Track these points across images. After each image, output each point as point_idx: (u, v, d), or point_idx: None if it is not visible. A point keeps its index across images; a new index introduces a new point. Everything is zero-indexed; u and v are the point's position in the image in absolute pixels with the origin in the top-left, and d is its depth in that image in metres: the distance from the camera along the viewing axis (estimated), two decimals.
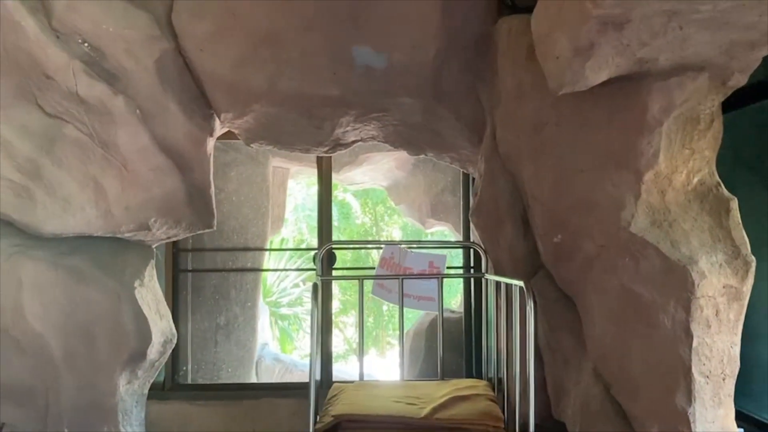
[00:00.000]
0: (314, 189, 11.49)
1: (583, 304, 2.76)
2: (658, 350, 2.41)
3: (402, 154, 5.06)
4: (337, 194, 11.58)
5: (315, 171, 4.29)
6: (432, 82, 3.18)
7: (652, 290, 2.42)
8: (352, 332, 12.61)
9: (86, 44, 3.05)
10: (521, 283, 2.68)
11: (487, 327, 3.51)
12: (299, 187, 10.53)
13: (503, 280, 2.99)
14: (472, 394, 2.91)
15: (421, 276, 3.47)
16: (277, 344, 10.18)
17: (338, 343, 11.94)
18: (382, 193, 11.20)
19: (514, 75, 2.93)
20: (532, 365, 2.60)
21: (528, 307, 2.58)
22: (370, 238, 12.08)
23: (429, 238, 7.05)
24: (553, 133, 2.77)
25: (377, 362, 11.76)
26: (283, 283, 10.48)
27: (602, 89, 2.43)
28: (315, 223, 11.13)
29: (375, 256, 11.39)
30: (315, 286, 2.66)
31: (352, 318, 12.60)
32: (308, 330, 10.88)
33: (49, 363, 3.16)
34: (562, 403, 3.00)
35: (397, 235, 11.97)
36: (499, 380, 3.24)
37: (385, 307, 12.11)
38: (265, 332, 7.66)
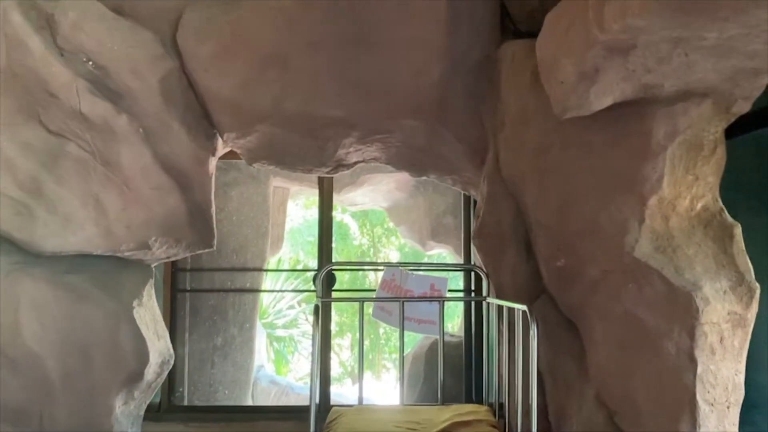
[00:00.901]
0: (311, 210, 11.52)
1: (586, 329, 2.75)
2: (662, 377, 2.39)
3: (403, 176, 5.03)
4: (336, 215, 11.57)
5: (315, 191, 4.29)
6: (436, 105, 3.19)
7: (656, 316, 2.41)
8: (347, 355, 12.52)
9: (91, 63, 3.05)
10: (524, 307, 2.67)
11: (489, 351, 3.47)
12: (296, 208, 10.52)
13: (505, 303, 2.98)
14: (473, 420, 2.88)
15: (422, 299, 3.44)
16: (272, 366, 10.10)
17: (334, 366, 11.84)
18: (381, 215, 11.20)
19: (519, 99, 2.94)
20: (535, 391, 2.57)
21: (531, 332, 2.56)
22: (367, 260, 12.04)
23: (428, 260, 7.07)
24: (558, 157, 2.77)
25: (373, 386, 11.66)
26: (278, 305, 10.43)
27: (607, 114, 2.42)
28: (311, 245, 11.17)
29: (372, 278, 11.37)
30: (317, 307, 2.64)
31: (347, 340, 12.52)
32: (303, 352, 10.90)
33: (45, 383, 3.11)
34: (563, 429, 2.97)
35: (394, 257, 11.92)
36: (500, 405, 3.22)
37: (381, 330, 12.04)
38: (261, 353, 7.59)
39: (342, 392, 8.71)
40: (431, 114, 3.22)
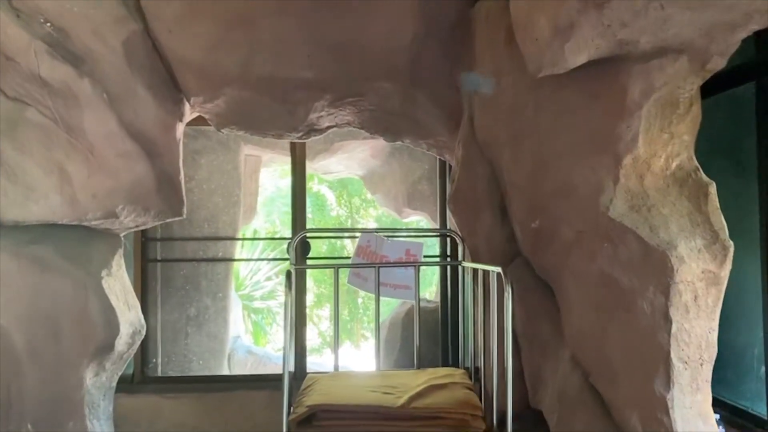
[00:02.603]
0: (287, 180, 11.39)
1: (561, 291, 2.73)
2: (636, 336, 2.38)
3: (377, 143, 5.00)
4: (312, 186, 11.48)
5: (288, 159, 4.20)
6: (409, 67, 3.14)
7: (630, 276, 2.39)
8: (326, 326, 12.53)
9: (49, 24, 2.95)
10: (498, 269, 2.64)
11: (466, 315, 3.47)
12: (272, 177, 10.38)
13: (480, 267, 2.95)
14: (449, 383, 2.87)
15: (397, 264, 3.41)
16: (250, 338, 10.07)
17: (313, 336, 11.86)
18: (358, 185, 11.12)
19: (493, 59, 2.90)
20: (510, 354, 2.56)
21: (506, 293, 2.53)
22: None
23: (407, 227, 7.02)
24: (532, 117, 2.73)
25: (352, 354, 11.70)
26: (255, 276, 10.35)
27: (581, 72, 2.39)
28: (287, 215, 11.07)
29: (350, 247, 11.33)
30: (288, 273, 2.58)
31: (326, 311, 12.52)
32: (282, 323, 10.85)
33: (11, 356, 3.05)
34: (539, 393, 2.97)
35: (372, 226, 11.89)
36: (476, 369, 3.22)
37: (360, 300, 12.05)
38: (238, 325, 7.54)
39: (321, 362, 8.71)
40: (405, 76, 3.17)
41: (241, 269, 9.70)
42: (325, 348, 12.12)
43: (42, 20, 2.94)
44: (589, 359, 2.61)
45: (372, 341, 12.01)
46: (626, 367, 2.43)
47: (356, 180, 10.44)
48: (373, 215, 12.22)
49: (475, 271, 3.11)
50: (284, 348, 2.60)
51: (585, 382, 2.65)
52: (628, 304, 2.39)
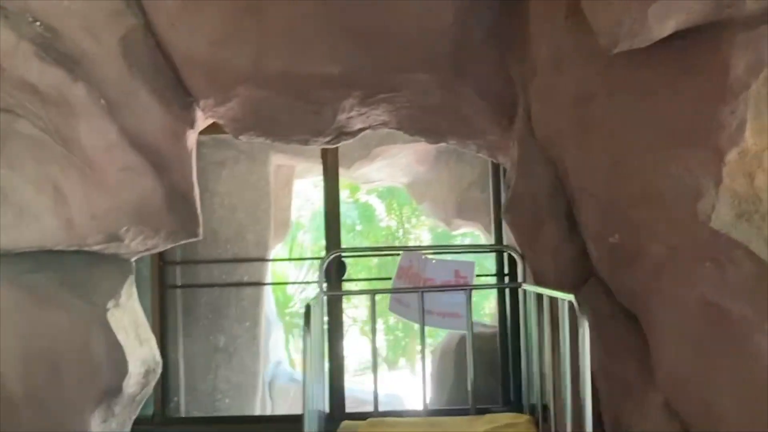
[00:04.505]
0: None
1: (649, 321, 2.26)
2: (752, 381, 1.96)
3: (422, 147, 4.60)
4: (360, 196, 11.13)
5: (321, 169, 3.83)
6: (451, 54, 2.74)
7: (742, 304, 1.98)
8: (381, 341, 12.15)
9: (38, 23, 2.67)
10: (570, 297, 2.16)
11: (530, 346, 2.97)
12: (316, 189, 10.08)
13: (546, 292, 2.46)
14: None
15: (444, 288, 2.93)
16: (300, 357, 9.78)
17: (365, 353, 11.47)
18: (409, 195, 10.71)
19: (552, 39, 2.48)
20: (589, 400, 2.06)
21: (581, 329, 2.05)
22: (397, 243, 11.57)
23: (457, 241, 6.60)
24: (604, 106, 2.30)
25: (407, 377, 11.22)
26: (305, 292, 10.13)
27: (666, 47, 1.99)
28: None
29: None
30: (308, 308, 2.14)
31: (379, 324, 12.14)
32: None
33: (7, 402, 2.71)
34: None
35: (426, 239, 11.45)
36: (544, 410, 2.76)
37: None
38: (279, 349, 7.23)
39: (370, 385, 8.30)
40: (446, 65, 2.78)
41: (288, 287, 9.46)
42: (380, 365, 11.72)
43: (30, 19, 2.67)
44: (689, 408, 2.14)
45: (429, 362, 11.57)
46: (739, 420, 1.99)
47: (398, 186, 10.08)
48: (426, 225, 11.79)
49: (539, 296, 2.61)
50: (304, 394, 2.15)
51: None
52: (740, 339, 1.99)
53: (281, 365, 6.59)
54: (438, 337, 10.72)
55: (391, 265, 10.16)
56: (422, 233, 11.84)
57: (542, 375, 2.73)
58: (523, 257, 2.90)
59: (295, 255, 9.24)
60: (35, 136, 2.68)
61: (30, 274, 2.80)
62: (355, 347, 10.32)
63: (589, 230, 2.42)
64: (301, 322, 7.00)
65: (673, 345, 2.14)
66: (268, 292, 5.38)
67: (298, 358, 9.75)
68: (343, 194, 11.08)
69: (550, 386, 2.53)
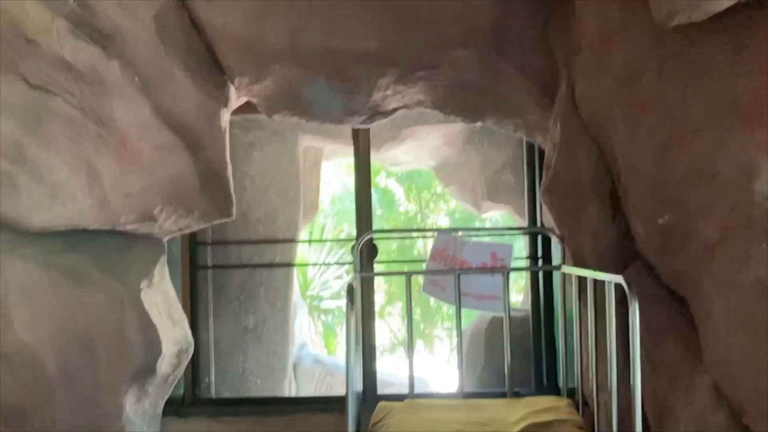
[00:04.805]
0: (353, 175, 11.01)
1: (699, 304, 2.17)
2: None
3: (451, 128, 4.49)
4: (379, 180, 11.02)
5: (350, 150, 3.76)
6: (491, 30, 2.64)
7: None
8: (398, 325, 12.09)
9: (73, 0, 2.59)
10: (619, 279, 2.08)
11: (567, 330, 2.90)
12: (337, 171, 10.00)
13: (590, 274, 2.39)
14: (554, 420, 2.33)
15: (481, 270, 2.87)
16: (321, 340, 9.74)
17: (384, 336, 11.43)
18: (428, 178, 10.58)
19: (599, 14, 2.37)
20: (638, 385, 2.01)
21: (631, 311, 1.98)
22: (415, 227, 11.46)
23: (486, 224, 6.51)
24: (655, 83, 2.20)
25: (425, 358, 11.18)
26: (324, 276, 10.06)
27: (722, 21, 1.92)
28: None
29: (421, 246, 10.82)
30: (350, 287, 2.09)
31: (397, 308, 12.07)
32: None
33: (43, 380, 2.70)
34: (665, 427, 2.40)
35: (444, 224, 11.33)
36: (573, 391, 2.76)
37: (432, 299, 11.52)
38: (303, 331, 7.18)
39: (393, 364, 8.27)
40: (486, 41, 2.67)
41: (309, 269, 9.38)
42: (398, 348, 11.69)
43: None
44: (741, 393, 2.05)
45: (447, 344, 11.53)
46: None
47: (425, 173, 9.93)
48: (444, 209, 11.67)
49: (581, 279, 2.54)
50: (348, 374, 2.12)
51: (734, 420, 2.08)
52: None
53: (306, 348, 6.55)
54: (465, 322, 10.71)
55: (409, 248, 10.07)
56: (441, 218, 11.74)
57: (582, 360, 2.67)
58: (562, 239, 2.82)
59: (315, 238, 9.15)
60: (69, 114, 2.62)
61: (63, 254, 2.76)
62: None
63: (636, 211, 2.32)
64: (320, 304, 6.99)
65: (725, 328, 2.04)
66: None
67: (318, 340, 9.74)
68: None
69: (593, 370, 2.46)
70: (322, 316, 10.18)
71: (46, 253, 2.74)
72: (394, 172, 10.30)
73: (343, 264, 8.70)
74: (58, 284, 2.72)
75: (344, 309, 10.28)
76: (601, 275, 2.32)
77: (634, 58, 2.25)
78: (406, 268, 8.65)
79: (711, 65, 2.06)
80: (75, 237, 2.79)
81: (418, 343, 11.36)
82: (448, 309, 10.78)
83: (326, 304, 10.25)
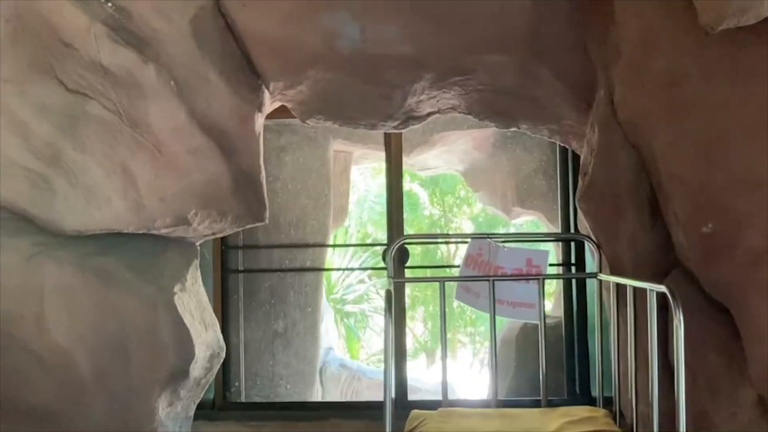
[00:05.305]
0: (379, 179, 10.97)
1: (744, 315, 2.13)
2: None
3: (481, 133, 4.44)
4: (404, 184, 10.96)
5: (381, 155, 3.73)
6: (527, 34, 2.59)
7: None
8: (421, 329, 12.03)
9: (110, 4, 2.61)
10: (662, 288, 2.03)
11: (604, 338, 2.84)
12: (361, 175, 9.96)
13: (630, 282, 2.34)
14: (592, 431, 2.27)
15: (517, 277, 2.82)
16: (343, 343, 9.72)
17: (408, 341, 11.35)
18: (452, 182, 10.53)
19: (640, 18, 2.32)
20: (682, 398, 1.95)
21: (676, 321, 1.93)
22: (438, 231, 11.40)
23: (513, 230, 6.40)
24: (698, 89, 2.16)
25: (449, 365, 11.09)
26: (347, 279, 10.05)
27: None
28: (380, 217, 10.64)
29: (444, 250, 10.76)
30: (389, 294, 2.06)
31: (419, 312, 12.01)
32: (375, 328, 10.49)
33: (77, 382, 2.71)
34: None
35: (467, 229, 11.23)
36: (609, 400, 2.70)
37: (455, 303, 11.43)
38: (329, 334, 7.16)
39: (416, 372, 8.22)
40: (522, 46, 2.63)
41: (332, 273, 9.37)
42: (420, 353, 11.63)
43: (102, 0, 2.58)
44: None
45: (470, 349, 11.45)
46: None
47: (449, 176, 9.87)
48: (468, 213, 11.60)
49: (618, 286, 2.50)
50: (385, 380, 2.09)
51: None
52: None
53: (331, 351, 6.52)
54: (481, 326, 10.60)
55: (433, 254, 9.99)
56: (464, 222, 11.67)
57: (620, 370, 2.61)
58: (598, 246, 2.77)
59: (339, 241, 9.13)
60: (105, 118, 2.63)
61: (98, 257, 2.77)
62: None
63: (677, 219, 2.27)
64: (344, 308, 6.96)
65: None
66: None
67: (340, 344, 9.72)
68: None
69: (632, 381, 2.41)
70: (345, 320, 10.17)
71: (81, 256, 2.75)
72: (418, 176, 10.25)
73: (376, 269, 8.63)
74: (92, 287, 2.73)
75: (367, 310, 10.32)
76: (641, 283, 2.26)
77: (676, 62, 2.20)
78: (428, 273, 8.60)
79: (757, 69, 2.03)
80: (109, 240, 2.80)
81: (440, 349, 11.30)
82: (471, 314, 10.71)
83: (348, 308, 10.25)
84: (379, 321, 10.75)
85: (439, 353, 11.34)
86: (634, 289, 2.34)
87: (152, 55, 2.62)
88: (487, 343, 10.37)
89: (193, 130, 2.68)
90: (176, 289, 2.83)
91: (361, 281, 10.28)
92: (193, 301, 2.93)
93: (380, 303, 10.73)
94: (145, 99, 2.62)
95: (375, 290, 10.57)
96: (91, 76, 2.59)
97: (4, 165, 2.63)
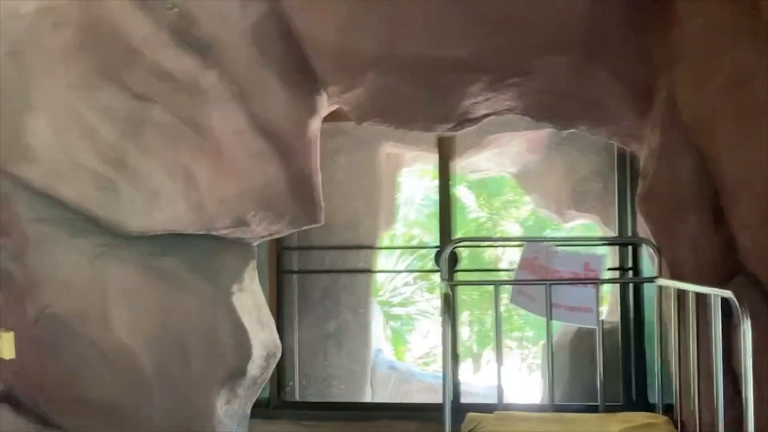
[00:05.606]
0: (424, 181, 10.93)
1: None
2: None
3: (535, 134, 4.38)
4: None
5: (431, 157, 3.73)
6: (586, 35, 2.56)
7: None
8: (467, 332, 11.94)
9: (175, 9, 2.68)
10: (728, 294, 1.98)
11: (663, 344, 2.78)
12: (408, 178, 9.91)
13: (693, 288, 2.29)
14: None
15: (575, 281, 2.79)
16: (389, 346, 9.72)
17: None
18: (499, 185, 10.42)
19: (705, 18, 2.29)
20: (750, 406, 1.90)
21: (743, 328, 1.88)
22: (484, 233, 11.27)
23: (563, 233, 6.32)
24: (766, 89, 2.09)
25: (495, 368, 10.99)
26: (393, 282, 10.04)
27: None
28: (426, 220, 10.61)
29: (490, 254, 10.64)
30: (447, 297, 2.06)
31: (464, 317, 11.91)
32: (422, 331, 10.46)
33: (140, 379, 2.79)
34: None
35: (515, 232, 11.10)
36: (670, 407, 2.63)
37: (503, 305, 11.29)
38: (378, 336, 7.18)
39: (463, 376, 8.14)
40: (580, 47, 2.59)
41: (378, 275, 9.38)
42: (467, 357, 11.54)
43: (168, 6, 2.68)
44: None
45: (517, 353, 11.32)
46: None
47: (497, 179, 9.77)
48: (515, 217, 11.45)
49: (680, 292, 2.45)
50: (445, 383, 2.10)
51: None
52: None
53: (381, 353, 6.52)
54: (528, 330, 10.47)
55: (482, 256, 9.91)
56: (512, 226, 11.53)
57: (680, 377, 2.55)
58: (658, 250, 2.71)
59: (386, 244, 9.15)
60: (168, 122, 2.69)
61: (159, 257, 2.84)
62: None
63: (743, 222, 2.22)
64: (390, 310, 6.94)
65: None
66: None
67: (387, 346, 9.72)
68: (434, 184, 10.92)
69: (694, 388, 2.35)
70: (391, 322, 10.17)
71: (143, 256, 2.82)
72: (465, 179, 10.19)
73: (428, 271, 8.60)
74: (154, 286, 2.81)
75: (413, 313, 10.28)
76: (705, 289, 2.21)
77: (743, 62, 2.16)
78: (475, 276, 8.53)
79: None
80: (170, 241, 2.86)
81: (490, 354, 11.18)
82: (519, 318, 10.60)
83: (395, 311, 10.25)
84: (425, 324, 10.72)
85: (484, 358, 11.28)
86: (697, 294, 2.29)
87: (214, 61, 2.68)
88: (534, 348, 10.25)
89: (252, 134, 2.73)
90: (234, 288, 2.89)
91: (407, 284, 10.25)
92: (251, 301, 2.99)
93: (425, 306, 10.70)
94: (207, 104, 2.68)
95: (420, 293, 10.54)
96: (156, 81, 2.66)
97: (72, 168, 2.72)
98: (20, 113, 2.71)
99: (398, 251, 9.56)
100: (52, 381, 2.80)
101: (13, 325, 2.80)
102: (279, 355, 3.08)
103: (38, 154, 2.71)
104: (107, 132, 2.69)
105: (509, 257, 10.77)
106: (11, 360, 2.80)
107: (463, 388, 3.69)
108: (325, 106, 2.96)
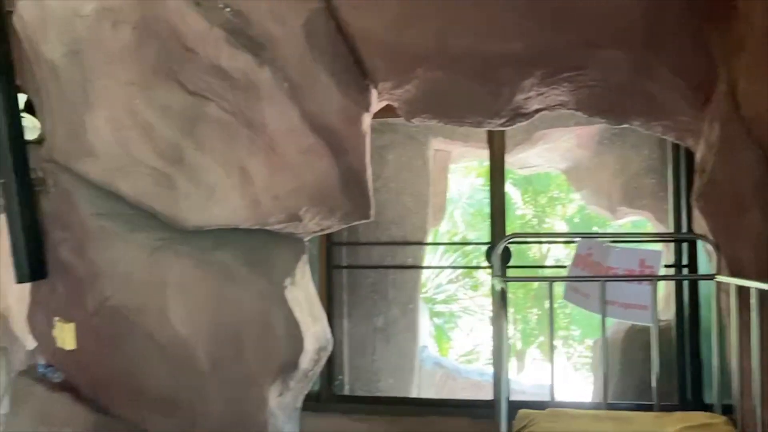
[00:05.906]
0: (470, 177, 10.87)
1: None
2: None
3: (585, 130, 4.31)
4: None
5: (479, 153, 3.71)
6: (643, 28, 2.51)
7: None
8: (510, 330, 11.85)
9: (228, 9, 2.71)
10: None
11: (721, 343, 2.71)
12: (455, 174, 9.86)
13: (756, 285, 2.23)
14: None
15: (631, 277, 2.74)
16: (433, 343, 9.73)
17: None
18: (546, 182, 10.33)
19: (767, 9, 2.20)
20: None
21: None
22: (528, 230, 11.15)
23: (610, 230, 6.18)
24: None
25: (543, 367, 10.88)
26: (437, 279, 10.04)
27: None
28: (474, 216, 10.54)
29: (536, 250, 10.55)
30: (502, 293, 2.05)
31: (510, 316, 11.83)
32: (465, 328, 10.43)
33: (195, 372, 2.84)
34: None
35: (561, 229, 10.96)
36: (729, 407, 2.57)
37: (546, 305, 11.19)
38: (424, 333, 7.18)
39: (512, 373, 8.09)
40: (637, 40, 2.53)
41: (421, 272, 9.38)
42: (511, 356, 11.46)
43: (222, 5, 2.72)
44: None
45: (563, 352, 11.19)
46: None
47: (543, 175, 9.67)
48: (560, 214, 11.32)
49: (742, 289, 2.38)
50: (500, 381, 2.08)
51: None
52: None
53: (426, 350, 6.53)
54: (596, 333, 10.33)
55: (526, 254, 9.79)
56: (557, 223, 11.39)
57: (742, 376, 2.48)
58: (717, 247, 2.65)
59: (432, 240, 9.14)
60: (223, 119, 2.73)
61: (214, 251, 2.88)
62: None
63: None
64: (434, 307, 6.92)
65: None
66: None
67: (430, 342, 9.73)
68: (478, 181, 10.86)
69: (757, 387, 2.29)
70: (435, 319, 10.16)
71: (199, 251, 2.87)
72: (512, 175, 10.11)
73: (478, 267, 8.58)
74: (209, 280, 2.86)
75: (456, 311, 10.25)
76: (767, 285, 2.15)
77: None
78: (522, 273, 8.45)
79: None
80: (224, 235, 2.91)
81: (536, 352, 11.09)
82: (564, 317, 10.49)
83: (439, 308, 10.25)
84: (468, 321, 10.69)
85: (528, 356, 11.18)
86: (759, 292, 2.23)
87: (267, 58, 2.70)
88: (581, 347, 10.12)
89: (305, 131, 2.75)
90: (287, 283, 2.93)
91: (451, 281, 10.24)
92: (303, 295, 3.02)
93: (468, 303, 10.67)
94: (261, 100, 2.71)
95: (464, 291, 10.52)
96: (211, 79, 2.70)
97: (131, 164, 2.78)
98: (81, 111, 2.78)
99: (442, 248, 9.56)
100: (111, 372, 2.88)
101: (74, 317, 2.89)
102: (330, 348, 3.11)
103: (98, 151, 2.78)
104: (164, 129, 2.74)
105: (554, 254, 10.67)
106: (72, 350, 2.89)
107: (512, 386, 3.68)
108: (376, 102, 2.96)
